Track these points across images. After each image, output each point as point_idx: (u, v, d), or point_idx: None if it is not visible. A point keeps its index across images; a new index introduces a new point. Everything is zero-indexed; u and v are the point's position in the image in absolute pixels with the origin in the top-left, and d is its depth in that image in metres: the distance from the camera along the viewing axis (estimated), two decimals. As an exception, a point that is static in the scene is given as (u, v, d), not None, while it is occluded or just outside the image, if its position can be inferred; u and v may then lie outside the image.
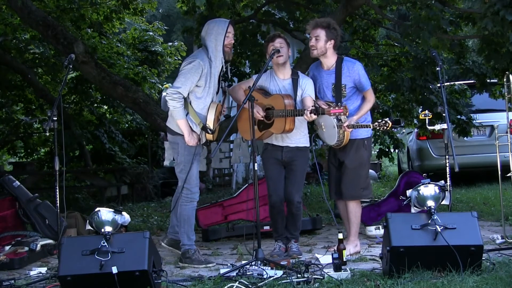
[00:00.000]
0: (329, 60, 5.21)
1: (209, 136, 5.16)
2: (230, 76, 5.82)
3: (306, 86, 5.21)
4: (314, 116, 4.87)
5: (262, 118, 5.14)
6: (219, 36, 5.09)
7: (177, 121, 5.06)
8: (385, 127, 4.86)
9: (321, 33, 5.13)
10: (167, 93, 5.10)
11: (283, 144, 5.24)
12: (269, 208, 5.34)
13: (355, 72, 5.16)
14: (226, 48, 5.12)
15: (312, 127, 5.52)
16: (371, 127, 5.04)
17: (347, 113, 4.89)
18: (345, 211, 5.39)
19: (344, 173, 5.23)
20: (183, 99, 5.00)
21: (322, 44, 5.13)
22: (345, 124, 5.01)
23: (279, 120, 5.09)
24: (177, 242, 5.28)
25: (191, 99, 5.09)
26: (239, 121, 5.26)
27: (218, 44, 5.08)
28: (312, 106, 4.91)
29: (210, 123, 5.08)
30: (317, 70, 5.34)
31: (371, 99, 5.23)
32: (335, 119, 5.01)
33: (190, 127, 5.05)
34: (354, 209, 5.29)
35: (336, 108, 4.79)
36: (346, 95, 5.16)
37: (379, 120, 4.92)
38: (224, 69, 5.24)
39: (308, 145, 5.32)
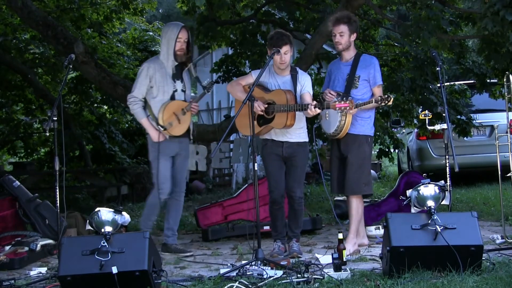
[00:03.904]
0: (350, 53, 5.34)
1: (175, 131, 5.42)
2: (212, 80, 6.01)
3: (305, 83, 5.25)
4: (318, 111, 4.91)
5: (262, 113, 5.14)
6: (170, 41, 5.44)
7: (140, 121, 5.54)
8: (387, 101, 4.91)
9: (345, 29, 5.23)
10: None
11: (283, 139, 5.25)
12: (270, 204, 5.35)
13: (371, 65, 5.28)
14: (178, 53, 5.44)
15: (316, 118, 5.55)
16: (373, 101, 5.04)
17: (352, 108, 4.91)
18: None
19: (347, 168, 5.27)
20: (139, 102, 5.47)
21: (346, 38, 5.25)
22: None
23: (280, 115, 5.09)
24: (168, 246, 5.58)
25: (148, 100, 5.47)
26: (238, 117, 5.25)
27: (169, 48, 5.45)
28: (316, 101, 4.94)
29: (160, 121, 5.39)
30: (335, 64, 5.49)
31: None
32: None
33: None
34: (356, 205, 5.32)
35: (342, 102, 4.83)
36: (358, 87, 5.23)
37: (381, 96, 4.99)
38: (192, 69, 5.59)
39: (307, 140, 5.36)
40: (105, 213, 4.31)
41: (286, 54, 5.16)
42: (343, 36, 5.23)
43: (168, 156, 5.50)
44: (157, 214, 5.77)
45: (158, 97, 5.43)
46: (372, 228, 6.07)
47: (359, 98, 5.18)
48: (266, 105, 5.13)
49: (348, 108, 4.82)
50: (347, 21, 5.24)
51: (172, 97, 5.47)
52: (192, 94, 6.15)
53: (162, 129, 5.39)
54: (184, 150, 5.64)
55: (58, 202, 4.80)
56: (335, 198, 7.07)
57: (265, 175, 5.60)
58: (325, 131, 5.38)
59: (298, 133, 5.27)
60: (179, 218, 5.78)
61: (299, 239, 5.43)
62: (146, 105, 5.51)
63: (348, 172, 5.25)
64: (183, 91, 5.56)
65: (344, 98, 4.94)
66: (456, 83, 9.03)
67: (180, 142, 5.55)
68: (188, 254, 5.55)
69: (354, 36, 5.29)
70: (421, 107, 8.21)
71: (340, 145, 5.32)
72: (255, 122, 5.15)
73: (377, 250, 5.14)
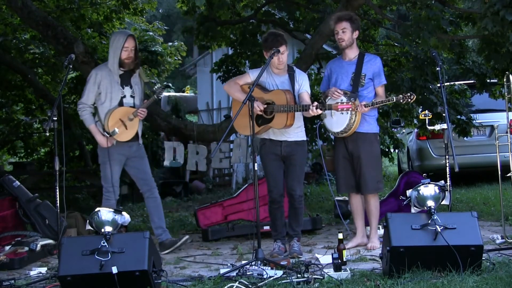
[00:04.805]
0: (353, 51, 5.38)
1: (121, 137, 5.50)
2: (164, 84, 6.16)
3: (303, 82, 5.27)
4: (319, 111, 4.94)
5: (261, 113, 5.14)
6: (117, 50, 5.53)
7: (88, 127, 5.67)
8: (409, 99, 4.97)
9: (347, 25, 5.29)
10: None
11: (281, 138, 5.25)
12: (269, 203, 5.35)
13: (376, 64, 5.35)
14: (126, 61, 5.54)
15: (317, 117, 5.58)
16: (394, 100, 5.10)
17: (355, 109, 5.00)
18: (358, 205, 5.46)
19: (362, 168, 5.29)
20: (88, 108, 5.57)
21: (349, 35, 5.30)
22: (362, 103, 5.08)
23: (280, 115, 5.09)
24: (165, 243, 5.64)
25: (97, 106, 5.58)
26: (237, 117, 5.25)
27: (115, 57, 5.54)
28: (316, 101, 4.97)
29: (106, 127, 5.50)
30: (336, 63, 5.51)
31: (383, 95, 5.35)
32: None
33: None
34: (375, 202, 5.40)
35: (344, 103, 4.90)
36: (364, 85, 5.28)
37: (403, 93, 5.04)
38: (142, 75, 5.72)
39: (305, 138, 5.38)
40: (105, 213, 4.32)
41: (283, 54, 5.17)
42: (346, 32, 5.28)
43: (118, 161, 5.59)
44: None
45: (105, 103, 5.51)
46: (372, 228, 6.07)
47: (365, 96, 5.22)
48: (265, 105, 5.14)
49: (351, 109, 4.89)
50: (349, 18, 5.31)
51: (121, 103, 5.55)
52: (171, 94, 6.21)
53: (108, 135, 5.49)
54: (137, 152, 5.71)
55: (58, 202, 4.81)
56: (335, 198, 7.07)
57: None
58: (330, 130, 5.38)
59: (296, 132, 5.27)
60: (162, 214, 5.85)
61: (300, 238, 5.43)
62: (96, 111, 5.62)
63: (363, 171, 5.29)
64: (132, 97, 5.63)
65: (352, 97, 5.06)
66: (456, 83, 9.01)
67: (129, 147, 5.64)
68: (184, 239, 5.69)
69: (356, 34, 5.33)
70: (421, 107, 8.20)
71: (347, 144, 5.34)
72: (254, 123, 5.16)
73: (377, 250, 5.15)
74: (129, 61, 5.57)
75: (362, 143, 5.27)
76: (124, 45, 5.50)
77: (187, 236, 5.77)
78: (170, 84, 6.33)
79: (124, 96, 5.57)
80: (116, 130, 5.47)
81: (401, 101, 5.01)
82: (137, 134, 5.63)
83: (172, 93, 16.24)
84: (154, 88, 5.63)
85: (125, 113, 5.53)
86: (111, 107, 5.51)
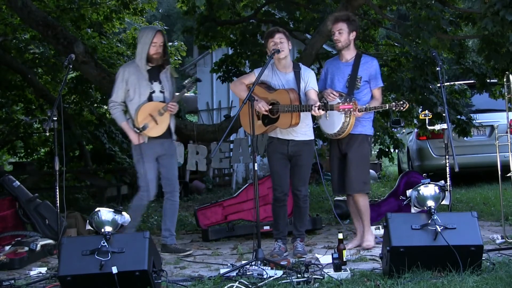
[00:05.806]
0: (350, 52, 5.34)
1: (152, 132, 5.46)
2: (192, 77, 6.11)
3: (309, 79, 5.24)
4: (322, 112, 4.91)
5: (267, 113, 5.14)
6: (145, 45, 5.49)
7: (120, 125, 5.61)
8: (402, 108, 4.95)
9: (343, 26, 5.26)
10: None
11: (288, 137, 5.24)
12: (273, 201, 5.35)
13: (373, 67, 5.31)
14: (154, 56, 5.50)
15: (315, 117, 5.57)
16: (386, 107, 5.10)
17: (356, 109, 4.96)
18: (354, 206, 5.44)
19: (348, 167, 5.29)
20: (118, 106, 5.54)
21: (345, 36, 5.27)
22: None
23: (285, 115, 5.08)
24: (168, 246, 5.60)
25: (127, 103, 5.54)
26: (242, 116, 5.25)
27: (143, 52, 5.50)
28: (320, 103, 4.95)
29: (136, 123, 5.45)
30: (333, 63, 5.47)
31: (379, 98, 5.33)
32: None
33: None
34: (364, 201, 5.38)
35: (346, 104, 4.88)
36: (360, 88, 5.26)
37: (396, 101, 5.02)
38: (172, 70, 5.66)
39: (313, 137, 5.36)
40: (105, 213, 4.31)
41: (282, 43, 5.15)
42: (342, 33, 5.26)
43: (151, 157, 5.53)
44: (141, 216, 5.90)
45: (134, 100, 5.48)
46: (372, 228, 6.05)
47: (360, 99, 5.19)
48: (270, 106, 5.12)
49: (352, 109, 4.87)
50: (345, 19, 5.28)
51: (150, 99, 5.51)
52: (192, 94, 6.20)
53: (138, 131, 5.44)
54: (168, 150, 5.65)
55: (58, 202, 4.81)
56: (335, 198, 7.09)
57: (269, 173, 5.59)
58: (325, 132, 5.37)
59: (304, 131, 5.26)
60: (176, 219, 5.80)
61: (304, 238, 5.43)
62: (127, 109, 5.59)
63: (349, 170, 5.28)
64: (162, 92, 5.58)
65: (348, 99, 4.99)
66: (456, 83, 9.02)
67: (161, 144, 5.57)
68: (187, 253, 5.58)
69: (353, 35, 5.30)
70: (421, 107, 8.21)
71: (340, 145, 5.34)
72: (260, 122, 5.17)
73: (377, 250, 5.14)
74: (157, 56, 5.52)
75: (353, 142, 5.27)
76: (152, 40, 5.46)
77: (191, 251, 5.68)
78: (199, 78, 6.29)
79: (153, 92, 5.53)
80: (147, 124, 5.43)
81: (394, 108, 5.00)
82: (169, 129, 5.58)
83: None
84: (184, 83, 5.61)
85: (155, 108, 5.48)
86: (141, 103, 5.47)
